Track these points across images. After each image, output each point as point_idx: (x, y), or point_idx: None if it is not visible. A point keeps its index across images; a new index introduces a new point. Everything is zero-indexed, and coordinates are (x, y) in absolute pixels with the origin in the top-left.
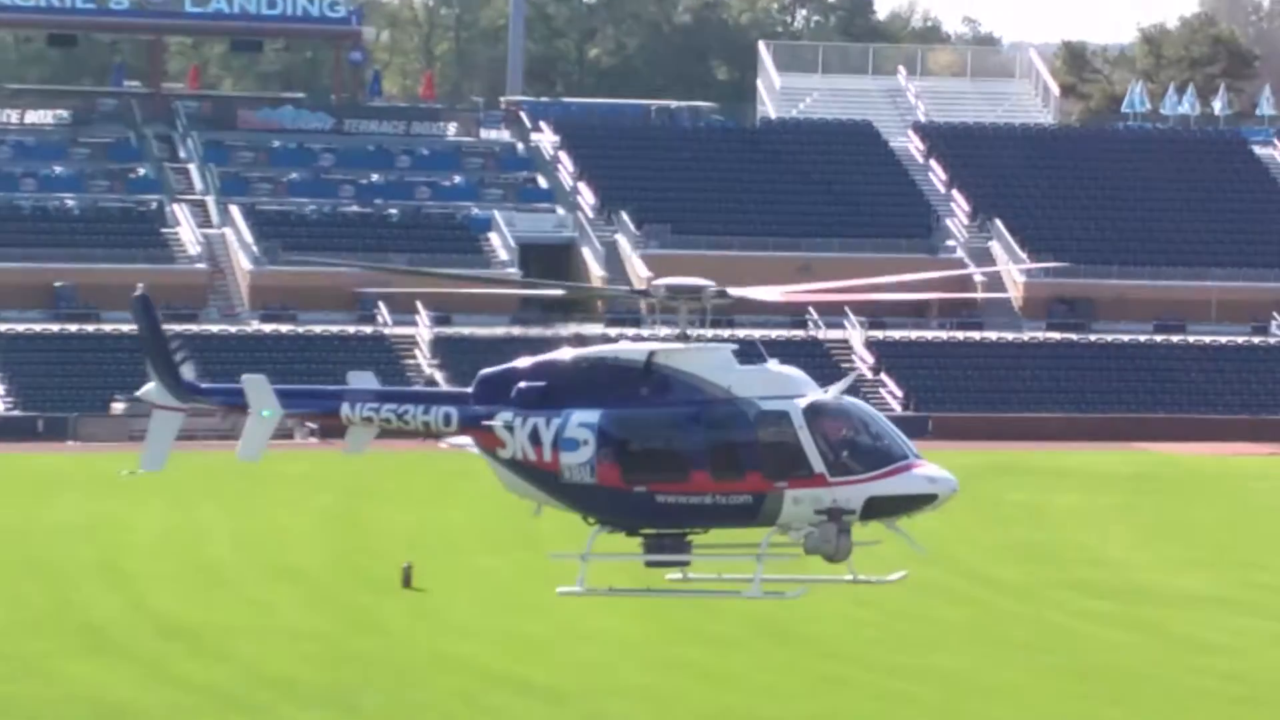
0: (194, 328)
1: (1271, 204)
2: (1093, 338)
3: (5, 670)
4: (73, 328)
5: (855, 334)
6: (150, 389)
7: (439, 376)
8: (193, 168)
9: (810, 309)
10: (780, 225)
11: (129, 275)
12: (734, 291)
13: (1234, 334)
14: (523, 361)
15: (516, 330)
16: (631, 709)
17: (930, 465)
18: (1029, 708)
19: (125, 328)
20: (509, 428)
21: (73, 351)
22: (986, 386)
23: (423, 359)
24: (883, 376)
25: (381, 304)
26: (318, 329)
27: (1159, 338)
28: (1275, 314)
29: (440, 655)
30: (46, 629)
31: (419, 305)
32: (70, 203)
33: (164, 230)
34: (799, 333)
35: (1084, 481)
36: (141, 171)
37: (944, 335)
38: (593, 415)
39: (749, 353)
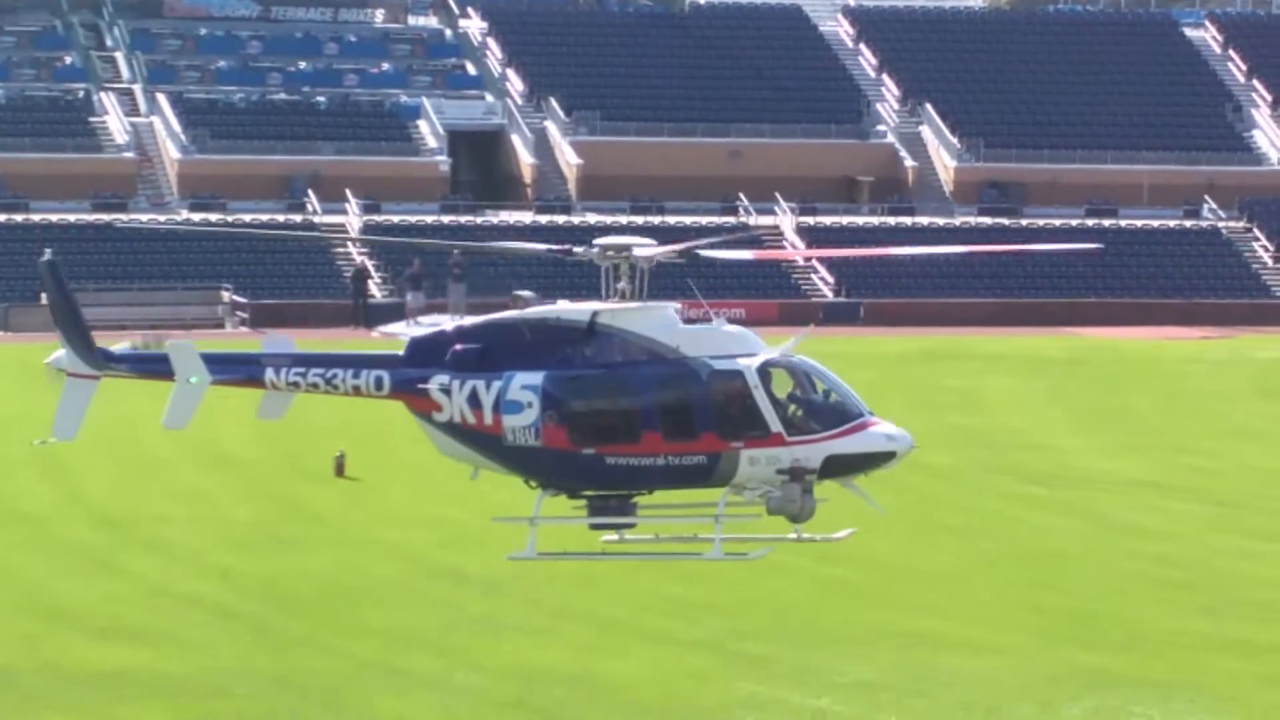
0: (123, 218)
1: (1202, 87)
2: (1024, 222)
3: None
4: (1, 218)
5: (786, 220)
6: (60, 356)
7: (370, 265)
8: (120, 56)
9: (740, 195)
10: (710, 110)
11: (58, 165)
12: (668, 248)
13: (1166, 217)
14: (457, 323)
15: (447, 218)
16: (567, 595)
17: (886, 423)
18: (963, 593)
19: (54, 217)
20: (445, 391)
21: (2, 241)
22: (918, 272)
23: (352, 247)
24: (814, 263)
25: (311, 192)
26: (247, 217)
27: (1091, 222)
28: (1206, 197)
29: (376, 543)
30: None
31: (348, 193)
32: None
33: (92, 119)
34: (729, 219)
35: (1017, 366)
36: (68, 60)
37: (875, 220)
38: (536, 377)
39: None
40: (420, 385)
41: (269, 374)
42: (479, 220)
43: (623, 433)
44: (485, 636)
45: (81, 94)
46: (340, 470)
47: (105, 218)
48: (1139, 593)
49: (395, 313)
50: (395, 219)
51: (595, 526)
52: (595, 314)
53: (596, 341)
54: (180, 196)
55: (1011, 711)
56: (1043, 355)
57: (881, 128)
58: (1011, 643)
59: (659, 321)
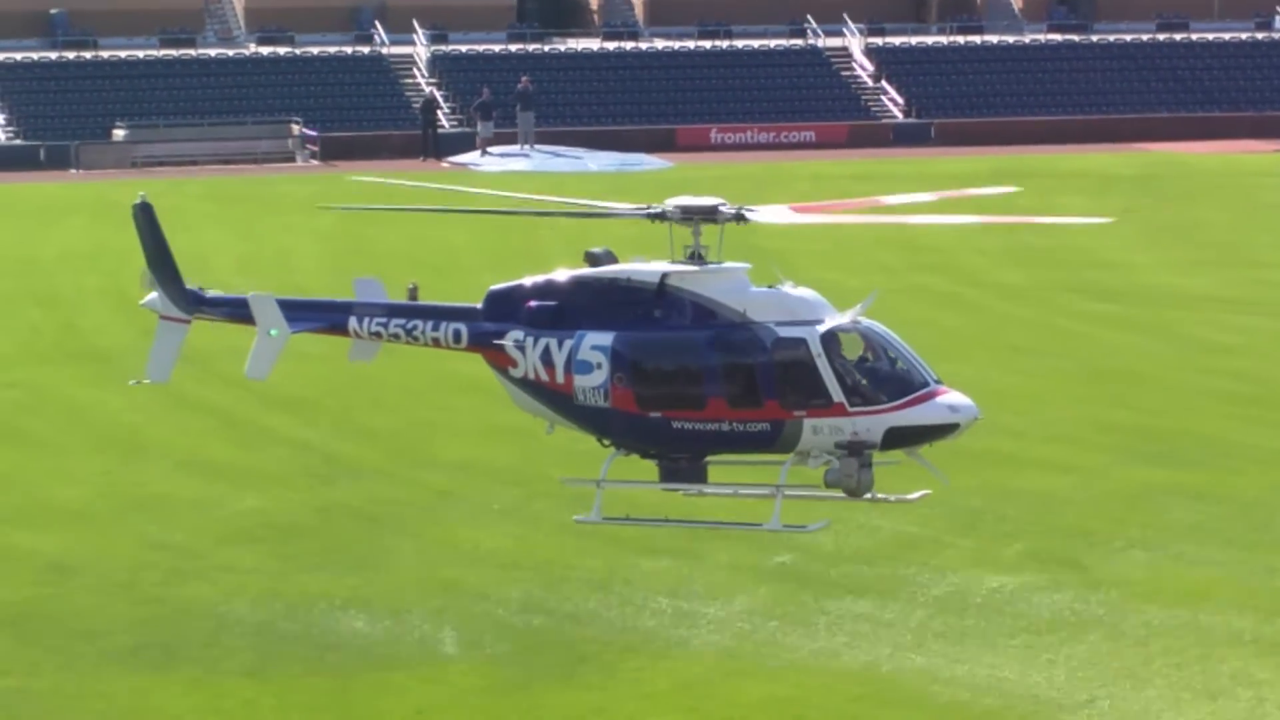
0: (191, 52)
1: None
2: (1094, 38)
3: (20, 398)
4: (70, 55)
5: (854, 41)
6: (154, 299)
7: (438, 95)
8: None
9: (809, 17)
10: None
11: (125, 2)
12: (751, 215)
13: (1237, 30)
14: (532, 279)
15: (514, 46)
16: None
17: (952, 393)
18: (1036, 412)
19: (124, 54)
20: (520, 347)
21: (71, 79)
22: (988, 90)
23: (420, 78)
24: (883, 84)
25: (378, 23)
26: (315, 50)
27: (1161, 36)
28: (1278, 8)
29: (451, 376)
30: (56, 357)
31: (415, 23)
32: None
33: None
34: (798, 41)
35: (1088, 184)
36: None
37: (944, 40)
38: (605, 338)
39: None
40: (496, 340)
41: (352, 322)
42: (546, 48)
43: (688, 397)
44: (563, 468)
45: None
46: (413, 299)
47: (173, 53)
48: (1212, 409)
49: (466, 142)
50: (463, 48)
51: (667, 490)
52: (665, 275)
53: (665, 303)
54: (248, 30)
55: (1084, 529)
56: (1114, 172)
57: None
58: (1085, 461)
59: (728, 284)
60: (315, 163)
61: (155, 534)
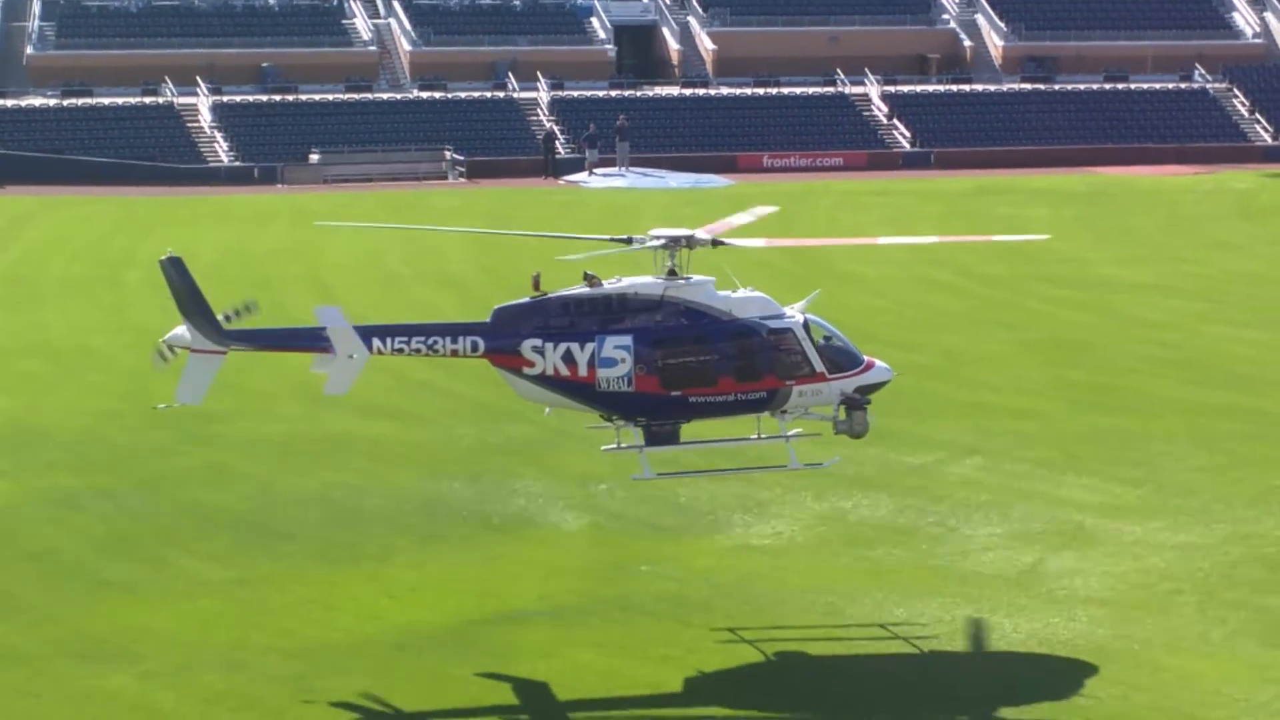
0: (369, 96)
1: None
2: (1057, 87)
3: (237, 359)
4: (277, 97)
5: (874, 89)
6: (182, 333)
7: (556, 129)
8: None
9: (838, 70)
10: (814, 6)
11: (318, 57)
12: (724, 240)
13: (1165, 81)
14: (535, 299)
15: (614, 92)
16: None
17: (878, 360)
18: (1011, 371)
19: (317, 97)
20: (539, 351)
21: (278, 115)
22: (976, 127)
23: (543, 116)
24: (895, 121)
25: (511, 75)
26: (464, 94)
27: (1108, 86)
28: (1197, 65)
29: None
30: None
31: (539, 75)
32: (271, 1)
33: (344, 20)
34: (830, 89)
35: (1052, 198)
36: None
37: (943, 88)
38: (626, 338)
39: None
40: (516, 349)
41: (375, 343)
42: (638, 94)
43: (705, 378)
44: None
45: (335, 1)
46: (536, 285)
47: (355, 97)
48: (1146, 370)
49: (577, 165)
50: (575, 94)
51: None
52: (665, 289)
53: (666, 310)
54: (411, 79)
55: (1051, 462)
56: (1071, 190)
57: (945, 16)
58: (1050, 409)
59: (709, 292)
60: (463, 180)
61: (340, 461)
